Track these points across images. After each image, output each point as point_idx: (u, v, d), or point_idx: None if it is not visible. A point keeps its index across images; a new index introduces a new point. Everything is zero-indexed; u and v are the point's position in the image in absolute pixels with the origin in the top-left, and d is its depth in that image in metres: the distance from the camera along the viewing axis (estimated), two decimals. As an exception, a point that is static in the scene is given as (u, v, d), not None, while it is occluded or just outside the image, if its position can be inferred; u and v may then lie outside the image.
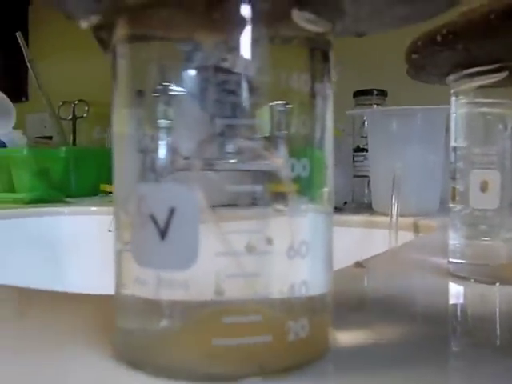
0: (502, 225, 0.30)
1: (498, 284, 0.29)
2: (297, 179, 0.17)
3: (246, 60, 0.16)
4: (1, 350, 0.20)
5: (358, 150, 0.81)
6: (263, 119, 0.17)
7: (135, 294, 0.17)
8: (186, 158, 0.16)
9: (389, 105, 0.81)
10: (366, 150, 0.76)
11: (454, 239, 0.32)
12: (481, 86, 0.31)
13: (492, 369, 0.18)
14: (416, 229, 0.63)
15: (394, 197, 0.61)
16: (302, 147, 0.17)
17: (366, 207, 0.76)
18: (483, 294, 0.29)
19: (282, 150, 0.17)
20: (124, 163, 0.18)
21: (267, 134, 0.17)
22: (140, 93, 0.17)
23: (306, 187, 0.17)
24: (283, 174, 0.17)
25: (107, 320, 0.19)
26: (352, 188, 0.82)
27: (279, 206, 0.17)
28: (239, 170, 0.16)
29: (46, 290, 0.28)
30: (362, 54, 0.91)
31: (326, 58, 0.18)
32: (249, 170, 0.16)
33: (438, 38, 0.28)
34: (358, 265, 0.35)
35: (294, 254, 0.17)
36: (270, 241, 0.17)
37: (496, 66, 0.29)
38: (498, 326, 0.24)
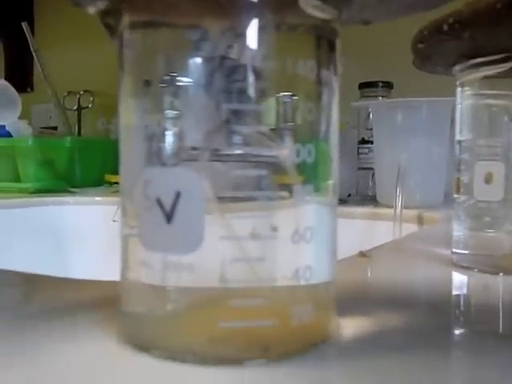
0: (506, 217, 0.30)
1: (501, 274, 0.29)
2: (302, 169, 0.17)
3: (252, 47, 0.16)
4: (7, 334, 0.20)
5: (363, 142, 0.81)
6: (269, 107, 0.17)
7: (141, 277, 0.18)
8: (193, 149, 0.16)
9: (394, 97, 0.80)
10: (371, 143, 0.76)
11: (458, 230, 0.32)
12: (486, 77, 0.31)
13: (494, 357, 0.18)
14: (420, 221, 0.63)
15: (398, 189, 0.61)
16: (308, 136, 0.17)
17: (371, 199, 0.76)
18: (486, 283, 0.29)
19: (288, 140, 0.17)
20: (131, 153, 0.18)
21: (273, 123, 0.17)
22: (147, 83, 0.17)
23: (312, 178, 0.17)
24: (288, 163, 0.17)
25: (113, 305, 0.19)
26: (356, 180, 0.82)
27: (284, 194, 0.17)
28: (245, 160, 0.17)
29: (52, 276, 0.29)
30: (368, 45, 0.91)
31: (332, 46, 0.19)
32: (255, 159, 0.17)
33: (445, 27, 0.28)
34: (362, 254, 0.35)
35: (298, 238, 0.17)
36: (274, 226, 0.17)
37: (502, 55, 0.29)
38: (500, 315, 0.24)
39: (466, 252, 0.32)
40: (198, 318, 0.17)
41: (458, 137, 0.32)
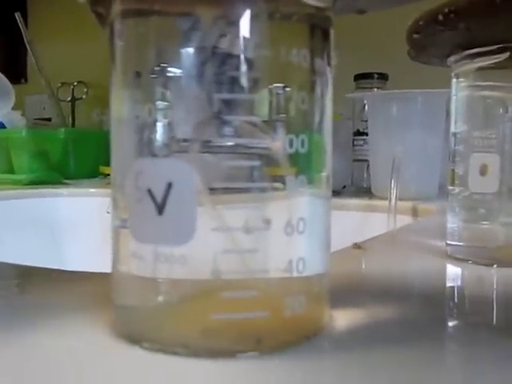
0: (500, 209, 0.30)
1: (495, 266, 0.29)
2: (295, 160, 0.17)
3: (245, 35, 0.16)
4: (0, 325, 0.20)
5: (358, 133, 0.81)
6: (262, 98, 0.16)
7: (132, 270, 0.17)
8: (185, 140, 0.16)
9: (390, 88, 0.80)
10: (366, 134, 0.76)
11: (453, 222, 0.32)
12: (482, 68, 0.30)
13: (488, 349, 0.18)
14: (415, 213, 0.63)
15: (393, 181, 0.61)
16: (301, 127, 0.17)
17: (365, 191, 0.76)
18: (481, 275, 0.29)
19: (281, 131, 0.17)
20: (122, 145, 0.18)
21: (266, 114, 0.17)
22: (138, 73, 0.17)
23: (305, 169, 0.17)
24: (281, 154, 0.17)
25: (106, 297, 0.19)
26: (351, 172, 0.82)
27: (276, 185, 0.17)
28: (237, 151, 0.16)
29: (45, 268, 0.29)
30: (363, 36, 0.91)
31: (326, 35, 0.18)
32: (247, 151, 0.16)
33: (440, 17, 0.28)
34: (356, 246, 0.35)
35: (291, 230, 0.17)
36: (267, 218, 0.17)
37: (497, 46, 0.29)
38: (494, 307, 0.24)
39: (461, 244, 0.32)
40: (189, 310, 0.17)
41: (453, 128, 0.32)
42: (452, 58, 0.32)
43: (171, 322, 0.17)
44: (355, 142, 0.82)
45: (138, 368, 0.16)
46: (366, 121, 0.75)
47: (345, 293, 0.24)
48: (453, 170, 0.32)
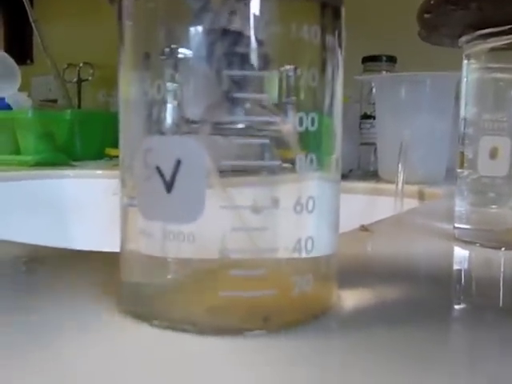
0: (510, 193, 0.30)
1: (503, 249, 0.29)
2: (305, 139, 0.17)
3: (255, 13, 0.16)
4: (8, 304, 0.20)
5: (366, 117, 0.80)
6: (272, 76, 0.16)
7: (140, 248, 0.17)
8: (194, 122, 0.16)
9: (398, 71, 0.79)
10: (373, 118, 0.76)
11: (460, 205, 0.32)
12: (493, 49, 0.30)
13: (494, 331, 0.18)
14: (421, 196, 0.63)
15: (400, 164, 0.61)
16: (311, 107, 0.17)
17: (372, 174, 0.76)
18: (488, 258, 0.29)
19: (291, 109, 0.16)
20: (131, 126, 0.17)
21: (276, 93, 0.16)
22: (147, 54, 0.17)
23: (314, 150, 0.17)
24: (291, 133, 0.16)
25: (114, 275, 0.19)
26: (358, 155, 0.82)
27: (286, 165, 0.17)
28: (247, 131, 0.16)
29: (53, 247, 0.29)
30: (372, 19, 0.90)
31: (337, 13, 0.18)
32: (257, 130, 0.16)
33: (452, -4, 0.28)
34: (364, 228, 0.35)
35: (300, 209, 0.17)
36: (276, 197, 0.16)
37: (510, 27, 0.29)
38: (501, 290, 0.24)
39: (468, 227, 0.31)
40: (197, 288, 0.17)
41: (462, 111, 0.32)
42: (463, 39, 0.31)
43: (179, 300, 0.17)
44: (362, 126, 0.81)
45: (145, 345, 0.16)
46: (374, 104, 0.75)
47: (352, 274, 0.24)
48: (462, 153, 0.31)
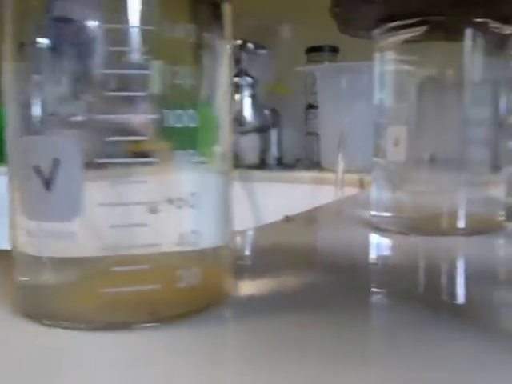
0: (409, 178, 0.31)
1: (414, 235, 0.30)
2: (180, 135, 0.17)
3: (122, 9, 0.16)
4: None
5: (310, 107, 0.81)
6: (140, 72, 0.16)
7: (26, 248, 0.18)
8: (63, 116, 0.16)
9: (341, 61, 0.80)
10: (317, 108, 0.77)
11: (375, 193, 0.33)
12: (402, 42, 0.31)
13: (405, 316, 0.19)
14: (362, 185, 0.64)
15: (340, 153, 0.62)
16: (186, 101, 0.17)
17: (317, 164, 0.77)
18: (400, 244, 0.30)
19: (157, 105, 0.16)
20: (11, 119, 0.17)
21: (143, 88, 0.16)
22: (21, 45, 0.17)
23: (193, 144, 0.17)
24: (156, 129, 0.16)
25: (8, 274, 0.19)
26: (304, 145, 0.83)
27: (162, 159, 0.17)
28: (116, 127, 0.16)
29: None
30: (315, 9, 0.90)
31: (215, 9, 0.18)
32: (126, 125, 0.16)
33: (357, -9, 0.28)
34: (287, 218, 0.36)
35: (182, 203, 0.17)
36: (156, 192, 0.17)
37: (415, 20, 0.30)
38: (404, 274, 0.25)
39: (383, 214, 0.32)
40: (84, 286, 0.17)
41: (375, 101, 0.33)
42: (376, 31, 0.32)
43: (67, 299, 0.17)
44: (307, 116, 0.82)
45: (36, 342, 0.16)
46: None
47: (259, 264, 0.25)
48: (377, 143, 0.33)
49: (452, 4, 0.29)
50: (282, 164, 0.83)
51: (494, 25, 0.30)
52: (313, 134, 0.80)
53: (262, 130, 0.79)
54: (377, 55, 0.33)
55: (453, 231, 0.31)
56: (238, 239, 0.30)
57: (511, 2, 0.29)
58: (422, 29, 0.30)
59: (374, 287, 0.23)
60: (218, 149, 0.18)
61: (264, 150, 0.82)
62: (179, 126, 0.17)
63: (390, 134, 0.30)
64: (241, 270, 0.23)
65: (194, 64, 0.17)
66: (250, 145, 0.80)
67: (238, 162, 0.76)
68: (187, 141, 0.17)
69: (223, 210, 0.19)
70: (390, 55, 0.32)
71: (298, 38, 0.87)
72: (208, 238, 0.18)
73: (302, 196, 0.72)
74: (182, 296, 0.18)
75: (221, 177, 0.19)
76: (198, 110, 0.17)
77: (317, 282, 0.23)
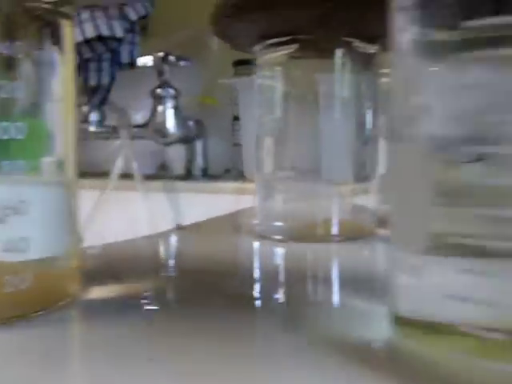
0: (279, 188, 0.33)
1: (293, 242, 0.32)
2: (12, 149, 0.18)
3: None
4: None
5: (236, 118, 0.83)
6: None
7: None
8: None
9: (266, 75, 0.82)
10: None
11: (257, 202, 0.34)
12: (278, 58, 0.33)
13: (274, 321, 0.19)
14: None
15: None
16: (7, 114, 0.18)
17: (242, 174, 0.79)
18: (279, 252, 0.31)
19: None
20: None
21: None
22: None
23: (19, 155, 0.18)
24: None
25: None
26: (231, 156, 0.84)
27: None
28: None
29: None
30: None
31: (54, 29, 0.19)
32: None
33: (228, 10, 0.30)
34: (180, 227, 0.37)
35: (10, 211, 0.18)
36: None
37: (286, 38, 0.32)
38: (279, 281, 0.26)
39: (264, 223, 0.34)
40: None
41: (257, 114, 0.34)
42: (256, 48, 0.34)
43: None
44: (234, 127, 0.84)
45: None
46: (240, 106, 0.77)
47: (119, 272, 0.26)
48: (257, 154, 0.34)
49: (319, 24, 0.30)
50: (207, 175, 0.84)
51: (359, 44, 0.32)
52: (238, 145, 0.82)
53: (186, 140, 0.80)
54: (257, 70, 0.34)
55: (327, 238, 0.32)
56: (114, 246, 0.31)
57: (375, 23, 0.31)
58: (294, 47, 0.32)
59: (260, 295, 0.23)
60: (47, 159, 0.19)
61: (190, 161, 0.82)
62: (6, 137, 0.18)
63: (262, 145, 0.32)
64: (94, 276, 0.24)
65: (20, 79, 0.18)
66: (175, 156, 0.81)
67: (164, 173, 0.77)
68: (16, 153, 0.18)
69: (58, 219, 0.20)
70: (265, 71, 0.33)
71: (226, 50, 0.88)
72: (41, 246, 0.19)
73: (225, 206, 0.73)
74: (9, 302, 0.18)
75: (55, 186, 0.20)
76: (27, 121, 0.18)
77: (173, 286, 0.24)
